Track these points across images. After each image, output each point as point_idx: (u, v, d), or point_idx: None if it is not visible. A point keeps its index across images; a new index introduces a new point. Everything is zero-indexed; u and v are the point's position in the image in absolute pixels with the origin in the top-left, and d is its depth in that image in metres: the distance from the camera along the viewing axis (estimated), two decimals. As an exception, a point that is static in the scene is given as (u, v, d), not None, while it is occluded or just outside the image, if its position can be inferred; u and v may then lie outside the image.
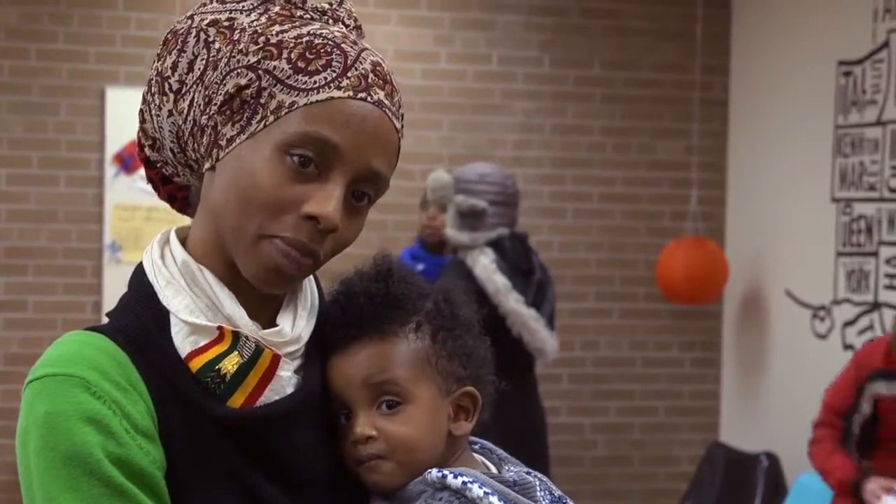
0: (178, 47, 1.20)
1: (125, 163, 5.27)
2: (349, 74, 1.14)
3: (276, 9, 1.20)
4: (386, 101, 1.16)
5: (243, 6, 1.20)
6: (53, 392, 1.10)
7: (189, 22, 1.21)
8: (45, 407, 1.09)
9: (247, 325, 1.18)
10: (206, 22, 1.19)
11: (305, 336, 1.23)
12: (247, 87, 1.14)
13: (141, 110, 1.25)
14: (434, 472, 1.22)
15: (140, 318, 1.18)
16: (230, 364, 1.16)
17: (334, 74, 1.14)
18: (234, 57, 1.16)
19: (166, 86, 1.20)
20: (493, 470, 1.32)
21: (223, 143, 1.16)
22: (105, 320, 1.23)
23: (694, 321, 5.75)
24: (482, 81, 5.59)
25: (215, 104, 1.16)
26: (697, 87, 5.66)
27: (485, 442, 1.37)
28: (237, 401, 1.16)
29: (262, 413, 1.17)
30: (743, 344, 5.60)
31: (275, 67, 1.14)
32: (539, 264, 4.02)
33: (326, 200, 1.13)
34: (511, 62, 5.61)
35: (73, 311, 5.27)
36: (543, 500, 1.28)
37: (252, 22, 1.18)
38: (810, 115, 4.96)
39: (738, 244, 5.61)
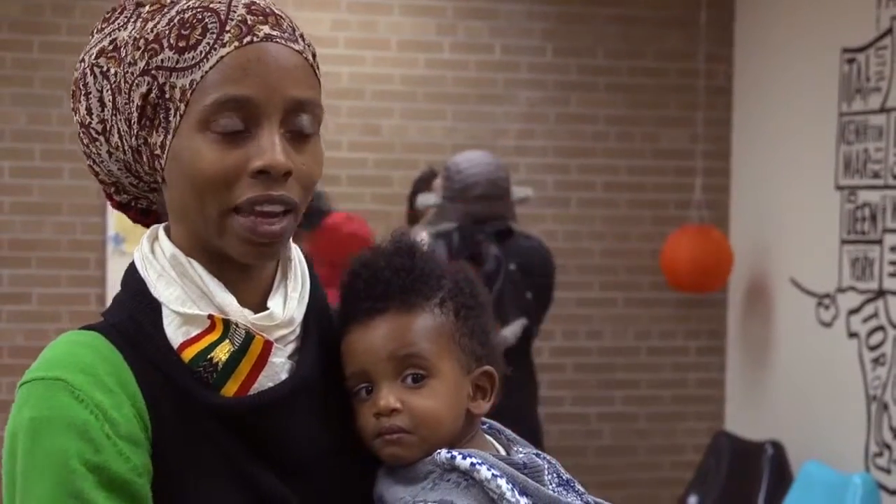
0: (83, 92, 1.24)
1: (128, 154, 5.27)
2: (227, 28, 1.15)
3: (146, 8, 1.22)
4: (274, 32, 1.17)
5: (118, 23, 1.24)
6: (40, 396, 1.12)
7: (82, 65, 1.25)
8: (31, 412, 1.11)
9: (237, 311, 1.18)
10: (93, 56, 1.23)
11: (298, 318, 1.23)
12: (149, 91, 1.17)
13: (89, 165, 1.28)
14: (443, 453, 1.22)
15: (133, 313, 1.19)
16: (222, 352, 1.16)
17: (214, 36, 1.15)
18: (128, 71, 1.19)
19: (92, 132, 1.24)
20: (502, 451, 1.32)
21: (158, 151, 1.18)
22: None
23: (699, 310, 5.74)
24: (485, 71, 5.57)
25: (135, 122, 1.19)
26: (701, 75, 5.65)
27: (493, 422, 1.37)
28: (230, 389, 1.17)
29: (255, 401, 1.17)
30: (748, 332, 5.59)
31: (162, 60, 1.16)
32: (502, 255, 3.89)
33: (268, 150, 1.14)
34: (514, 51, 5.60)
35: (78, 303, 5.27)
36: (551, 482, 1.28)
37: (130, 33, 1.21)
38: (814, 103, 4.95)
39: (742, 232, 5.60)
